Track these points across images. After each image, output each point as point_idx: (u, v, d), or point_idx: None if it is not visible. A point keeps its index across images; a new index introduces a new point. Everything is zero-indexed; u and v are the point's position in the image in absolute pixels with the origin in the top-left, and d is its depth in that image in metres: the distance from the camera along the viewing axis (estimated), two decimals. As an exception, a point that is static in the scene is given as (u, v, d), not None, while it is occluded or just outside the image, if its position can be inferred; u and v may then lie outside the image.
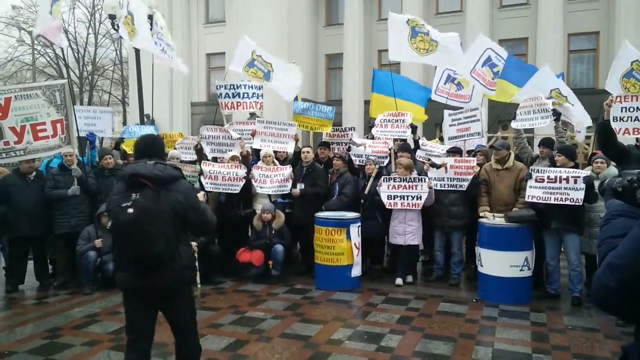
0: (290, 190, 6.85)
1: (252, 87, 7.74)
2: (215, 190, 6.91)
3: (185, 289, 3.18)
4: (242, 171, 6.84)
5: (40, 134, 6.06)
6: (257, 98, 7.73)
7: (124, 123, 24.73)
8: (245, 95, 7.70)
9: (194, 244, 6.28)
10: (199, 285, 6.36)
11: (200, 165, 7.09)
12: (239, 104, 7.72)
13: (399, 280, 6.46)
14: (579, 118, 7.95)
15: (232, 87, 7.73)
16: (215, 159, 7.27)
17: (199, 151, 7.46)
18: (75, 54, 25.89)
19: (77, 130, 6.77)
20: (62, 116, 6.16)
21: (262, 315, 5.29)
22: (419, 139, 7.75)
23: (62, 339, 4.69)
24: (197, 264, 6.36)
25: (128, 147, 7.70)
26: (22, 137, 5.94)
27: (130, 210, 2.80)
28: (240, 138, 7.36)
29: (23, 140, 5.95)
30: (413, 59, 7.98)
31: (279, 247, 6.55)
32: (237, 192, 6.80)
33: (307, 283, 6.48)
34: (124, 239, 2.88)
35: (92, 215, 6.48)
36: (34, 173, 6.51)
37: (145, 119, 15.38)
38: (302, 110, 7.84)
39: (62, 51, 8.48)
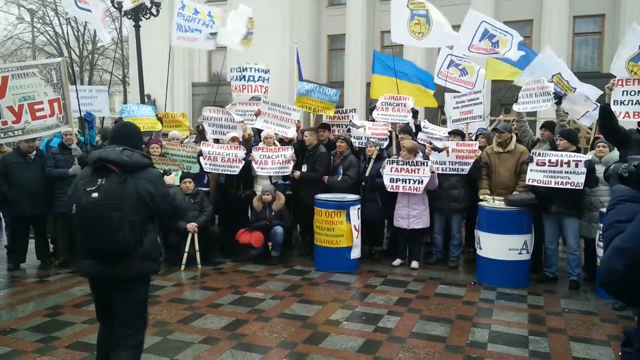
0: (292, 172, 6.84)
1: (258, 70, 7.70)
2: (215, 171, 6.90)
3: (141, 282, 2.98)
4: (241, 152, 6.82)
5: (38, 113, 6.01)
6: (263, 82, 7.69)
7: (125, 103, 24.61)
8: (251, 78, 7.66)
9: (193, 224, 6.33)
10: (199, 266, 6.41)
11: (200, 145, 7.06)
12: (244, 87, 7.69)
13: (397, 261, 6.49)
14: (584, 104, 7.84)
15: (239, 69, 7.70)
16: (216, 141, 7.25)
17: (200, 132, 7.44)
18: (75, 32, 25.64)
19: (79, 109, 6.77)
20: (59, 95, 6.10)
21: (261, 296, 5.33)
22: (420, 123, 7.71)
23: (63, 316, 4.74)
24: (196, 245, 6.41)
25: (128, 127, 7.66)
26: (20, 116, 5.90)
27: (95, 195, 2.72)
28: (242, 121, 7.33)
29: (21, 119, 5.91)
30: (412, 43, 8.00)
31: (279, 229, 6.57)
32: (236, 173, 6.79)
33: (307, 264, 6.52)
34: (86, 224, 2.77)
35: None
36: (35, 152, 6.49)
37: (146, 99, 15.35)
38: (306, 91, 7.77)
39: (62, 29, 8.39)
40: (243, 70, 7.64)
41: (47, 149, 7.26)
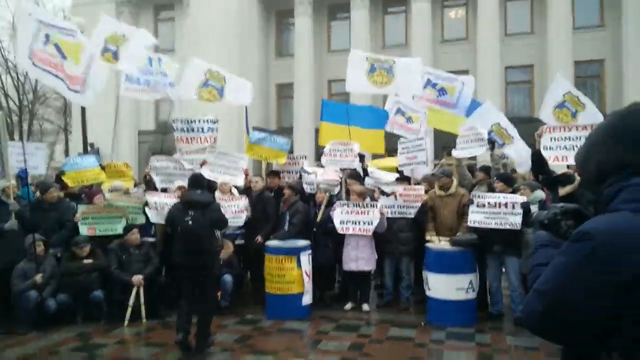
0: (256, 238, 6.77)
1: (207, 121, 7.64)
2: (161, 222, 6.74)
3: (212, 266, 5.11)
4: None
5: (-26, 166, 5.76)
6: (212, 132, 7.64)
7: (66, 152, 23.82)
8: (200, 129, 7.60)
9: (139, 277, 6.11)
10: (144, 320, 6.13)
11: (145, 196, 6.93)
12: (192, 138, 7.61)
13: (348, 305, 6.50)
14: (521, 157, 8.36)
15: (187, 121, 7.62)
16: (164, 190, 7.13)
17: (148, 182, 7.31)
18: (15, 82, 24.87)
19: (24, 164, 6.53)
20: (-3, 149, 5.88)
21: (211, 350, 5.14)
22: (367, 167, 7.94)
23: (-7, 383, 4.38)
24: (142, 298, 6.16)
25: (69, 180, 7.42)
26: (-46, 170, 5.63)
27: (190, 222, 4.90)
28: (192, 169, 7.25)
29: (-45, 173, 5.64)
30: (369, 90, 8.43)
31: (228, 277, 6.44)
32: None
33: (258, 313, 6.38)
34: (186, 238, 4.94)
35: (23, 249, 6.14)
36: (-33, 207, 6.14)
37: (90, 148, 14.97)
38: (257, 140, 7.85)
39: (0, 79, 8.16)
40: (191, 122, 7.59)
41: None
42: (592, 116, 7.77)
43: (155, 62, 7.74)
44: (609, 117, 1.42)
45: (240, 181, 7.42)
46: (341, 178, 7.46)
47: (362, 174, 7.74)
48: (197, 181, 5.22)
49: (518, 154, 8.19)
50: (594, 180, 1.37)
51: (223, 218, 5.26)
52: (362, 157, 7.79)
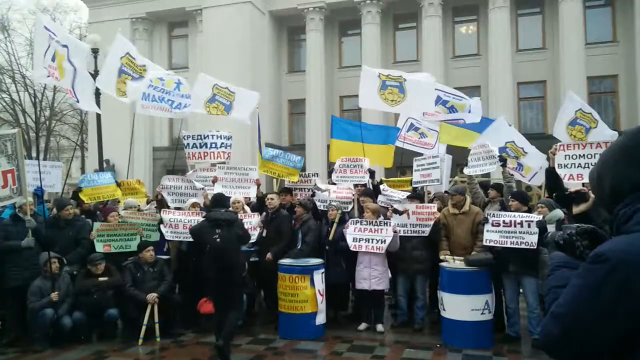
0: (267, 255, 6.70)
1: (220, 137, 7.71)
2: (176, 239, 6.79)
3: (239, 280, 5.55)
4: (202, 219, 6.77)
5: (-9, 184, 5.85)
6: (226, 148, 7.70)
7: (82, 169, 24.13)
8: (213, 145, 7.67)
9: (154, 295, 6.13)
10: (158, 339, 6.13)
11: (160, 213, 6.97)
12: (206, 154, 7.67)
13: (362, 325, 6.44)
14: (535, 165, 8.33)
15: (199, 137, 7.67)
16: (178, 209, 7.18)
17: (160, 201, 7.36)
18: (33, 99, 25.36)
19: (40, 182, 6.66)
20: (14, 167, 5.97)
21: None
22: (378, 183, 7.94)
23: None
24: (156, 316, 6.17)
25: (86, 196, 7.50)
26: (-27, 188, 5.72)
27: (218, 239, 5.31)
28: (203, 188, 7.31)
29: (-26, 191, 5.73)
30: (381, 108, 8.48)
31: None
32: (199, 240, 6.70)
33: (271, 332, 6.35)
34: (215, 254, 5.31)
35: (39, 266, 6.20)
36: (-16, 224, 6.24)
37: (105, 164, 15.16)
38: (271, 157, 7.91)
39: (19, 96, 8.36)
40: (204, 138, 7.66)
41: (-1, 220, 6.98)
42: (604, 133, 7.74)
43: (169, 83, 7.86)
44: (621, 137, 1.40)
45: (253, 192, 7.43)
46: (354, 195, 7.46)
47: (371, 189, 7.74)
48: (220, 201, 5.70)
49: (534, 162, 8.17)
50: (608, 200, 1.37)
51: (247, 234, 5.82)
52: (372, 173, 7.78)
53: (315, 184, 7.76)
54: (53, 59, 6.63)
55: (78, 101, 7.30)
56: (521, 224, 5.70)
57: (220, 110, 8.17)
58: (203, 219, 5.83)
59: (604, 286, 1.19)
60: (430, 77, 8.49)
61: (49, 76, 6.63)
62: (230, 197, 6.73)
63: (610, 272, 1.18)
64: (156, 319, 6.17)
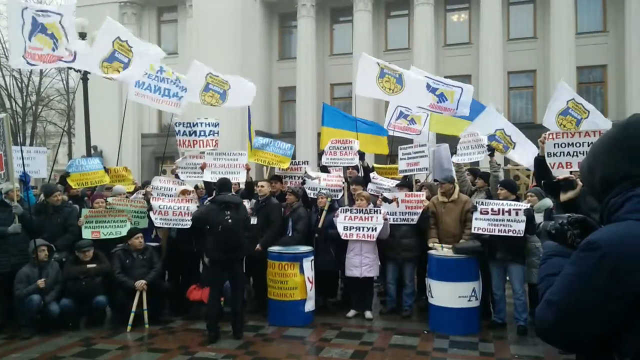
0: (256, 246, 6.69)
1: (208, 124, 7.65)
2: (166, 226, 6.76)
3: (242, 258, 6.05)
4: (193, 205, 6.75)
5: (-22, 170, 5.77)
6: (214, 135, 7.65)
7: (69, 155, 23.84)
8: (202, 133, 7.61)
9: (142, 282, 6.12)
10: (146, 326, 6.12)
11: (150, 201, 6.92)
12: (195, 142, 7.62)
13: (351, 312, 6.49)
14: (524, 159, 8.35)
15: (189, 124, 7.62)
16: None
17: (148, 201, 7.30)
18: (19, 84, 24.94)
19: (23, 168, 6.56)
20: (1, 152, 5.89)
21: (213, 355, 5.16)
22: (368, 165, 7.96)
23: (-4, 389, 4.39)
24: (144, 303, 6.16)
25: (74, 182, 7.43)
26: (-40, 173, 5.64)
27: (230, 220, 5.58)
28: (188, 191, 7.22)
29: (-39, 176, 5.64)
30: (378, 96, 8.35)
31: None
32: (188, 227, 6.67)
33: (260, 319, 6.38)
34: (224, 235, 5.57)
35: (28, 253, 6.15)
36: (-30, 210, 6.15)
37: (93, 151, 15.00)
38: (261, 145, 7.88)
39: (4, 80, 8.16)
40: (193, 126, 7.60)
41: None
42: (596, 122, 7.78)
43: (168, 73, 7.74)
44: (612, 128, 1.46)
45: (243, 177, 7.40)
46: (344, 183, 7.47)
47: (362, 172, 7.76)
48: (225, 185, 5.97)
49: (523, 158, 8.19)
50: (599, 189, 1.42)
51: (249, 217, 6.27)
52: (362, 155, 7.78)
53: (306, 172, 7.75)
54: (30, 38, 6.35)
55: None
56: (509, 212, 5.74)
57: (216, 99, 8.06)
58: (208, 202, 6.16)
59: (596, 273, 1.23)
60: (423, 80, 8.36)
61: (29, 62, 6.40)
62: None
63: (601, 259, 1.23)
64: (145, 306, 6.16)
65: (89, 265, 6.17)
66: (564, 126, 7.73)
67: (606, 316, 1.24)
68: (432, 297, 5.98)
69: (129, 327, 6.01)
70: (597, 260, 1.23)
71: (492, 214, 5.87)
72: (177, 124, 7.68)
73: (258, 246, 6.56)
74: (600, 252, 1.24)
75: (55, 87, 27.42)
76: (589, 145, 6.44)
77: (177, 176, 7.42)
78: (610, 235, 1.27)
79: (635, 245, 1.21)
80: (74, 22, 6.94)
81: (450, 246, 6.06)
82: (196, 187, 7.73)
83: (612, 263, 1.21)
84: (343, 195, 7.42)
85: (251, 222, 6.76)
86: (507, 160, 10.13)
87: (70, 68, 10.92)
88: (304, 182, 7.55)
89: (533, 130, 10.26)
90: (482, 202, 6.05)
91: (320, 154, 8.21)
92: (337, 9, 22.27)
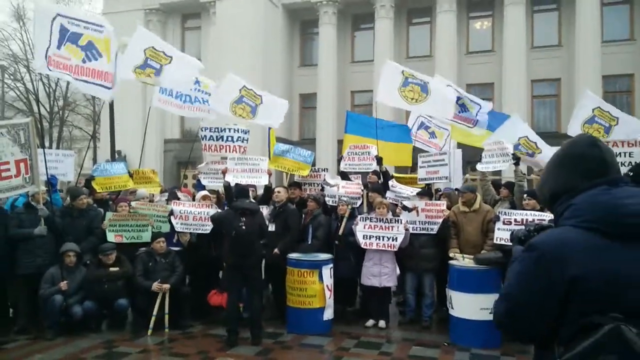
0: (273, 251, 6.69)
1: (237, 130, 7.73)
2: (186, 231, 6.82)
3: (259, 266, 6.14)
4: (212, 211, 6.80)
5: (4, 173, 5.90)
6: (242, 142, 7.71)
7: (94, 159, 24.31)
8: (230, 139, 7.68)
9: (166, 285, 6.18)
10: (167, 330, 6.18)
11: (171, 204, 7.00)
12: (221, 147, 7.69)
13: (369, 322, 6.43)
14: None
15: (216, 130, 7.70)
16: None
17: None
18: (47, 89, 25.56)
19: (46, 172, 6.69)
20: (26, 156, 6.02)
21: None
22: (386, 170, 7.92)
23: (20, 389, 4.47)
24: (166, 307, 6.22)
25: (98, 186, 7.56)
26: (-14, 177, 5.78)
27: (243, 227, 5.66)
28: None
29: (-14, 180, 5.78)
30: (399, 105, 8.19)
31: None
32: (208, 232, 6.73)
33: (279, 327, 6.37)
34: (239, 240, 5.67)
35: (57, 255, 6.28)
36: (-2, 212, 6.32)
37: (117, 155, 15.27)
38: (281, 152, 7.93)
39: (33, 85, 8.36)
40: (221, 131, 7.69)
41: (12, 208, 7.07)
42: (628, 127, 7.56)
43: (205, 86, 7.87)
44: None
45: (265, 181, 7.42)
46: (363, 191, 7.44)
47: (380, 177, 7.72)
48: (243, 191, 6.13)
49: (547, 158, 8.06)
50: (549, 200, 1.65)
51: (266, 224, 6.32)
52: (379, 160, 7.75)
53: (324, 179, 7.76)
54: (59, 47, 6.42)
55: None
56: (533, 222, 5.63)
57: (247, 112, 8.10)
58: (226, 208, 6.22)
59: (533, 271, 1.46)
60: (453, 92, 8.27)
61: (51, 67, 6.48)
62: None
63: (538, 259, 1.46)
64: (166, 310, 6.22)
65: (111, 269, 6.26)
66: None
67: (544, 307, 1.44)
68: (452, 308, 5.90)
69: (149, 331, 6.07)
70: (535, 260, 1.46)
71: (515, 224, 5.77)
72: (203, 129, 7.77)
73: (276, 250, 6.57)
74: (537, 253, 1.46)
75: (82, 92, 28.02)
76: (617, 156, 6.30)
77: (198, 181, 7.49)
78: (547, 239, 1.49)
79: (566, 247, 1.42)
80: (116, 42, 7.07)
81: (472, 257, 5.98)
82: (217, 193, 7.80)
83: (546, 262, 1.43)
84: (362, 203, 7.39)
85: (269, 229, 6.78)
86: (530, 170, 9.96)
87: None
88: (322, 189, 7.56)
89: (557, 139, 10.11)
90: (505, 212, 5.96)
91: (339, 160, 8.23)
92: (359, 16, 22.32)
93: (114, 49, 6.90)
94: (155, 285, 6.16)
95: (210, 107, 8.09)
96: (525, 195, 6.26)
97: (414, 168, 9.22)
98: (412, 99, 7.82)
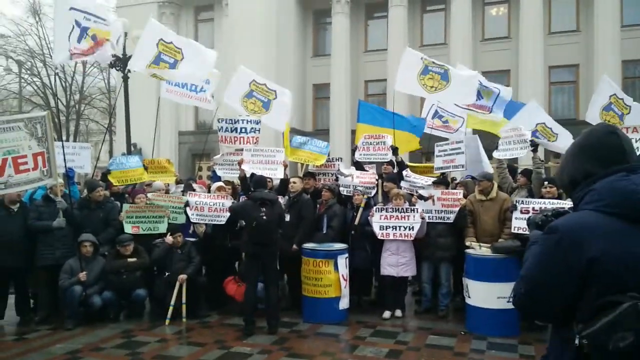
0: (292, 246, 6.58)
1: (250, 121, 7.73)
2: (202, 222, 6.86)
3: (276, 254, 6.09)
4: (228, 202, 6.82)
5: (21, 167, 5.96)
6: (255, 133, 7.72)
7: (110, 152, 24.57)
8: (243, 130, 7.69)
9: (183, 276, 6.24)
10: (184, 320, 6.25)
11: (186, 195, 7.05)
12: (236, 138, 7.70)
13: (386, 314, 6.41)
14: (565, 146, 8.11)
15: (231, 121, 7.72)
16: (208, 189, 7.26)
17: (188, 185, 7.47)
18: (63, 83, 25.87)
19: (65, 164, 6.77)
20: (44, 149, 6.09)
21: (248, 350, 5.21)
22: (402, 160, 7.85)
23: (42, 377, 4.56)
24: (184, 297, 6.28)
25: (114, 179, 7.63)
26: (4, 170, 5.84)
27: (264, 217, 5.70)
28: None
29: (4, 173, 5.84)
30: (418, 93, 8.08)
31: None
32: (223, 223, 6.76)
33: (295, 316, 6.40)
34: (260, 230, 5.71)
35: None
36: (18, 204, 6.42)
37: (132, 148, 15.38)
38: (299, 144, 7.92)
39: (50, 80, 8.46)
40: (235, 122, 7.69)
41: (31, 201, 7.17)
42: (638, 116, 7.46)
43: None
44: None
45: (281, 174, 7.40)
46: (377, 180, 7.39)
47: (395, 167, 7.65)
48: (261, 182, 6.14)
49: (564, 144, 7.92)
50: (569, 186, 1.72)
51: (284, 214, 6.34)
52: (395, 150, 7.67)
53: (339, 169, 7.72)
54: (79, 40, 6.63)
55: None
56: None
57: (258, 107, 8.07)
58: (245, 199, 6.28)
59: (555, 252, 1.52)
60: (476, 75, 8.12)
61: (73, 56, 6.68)
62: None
63: (559, 241, 1.51)
64: (183, 300, 6.28)
65: (129, 260, 6.34)
66: (608, 122, 7.44)
67: (563, 289, 1.50)
68: (469, 297, 5.85)
69: (167, 321, 6.15)
70: (555, 242, 1.52)
71: (533, 213, 5.67)
72: (220, 120, 7.79)
73: (294, 246, 6.52)
74: (558, 235, 1.52)
75: (98, 86, 28.33)
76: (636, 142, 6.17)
77: (214, 172, 7.52)
78: (567, 222, 1.55)
79: (586, 230, 1.48)
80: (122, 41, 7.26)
81: (489, 245, 5.91)
82: (232, 184, 7.83)
83: (566, 244, 1.49)
84: (377, 192, 7.34)
85: (294, 247, 6.73)
86: (547, 157, 9.81)
87: (113, 66, 11.23)
88: (336, 179, 7.52)
89: (576, 127, 9.90)
90: (522, 201, 5.88)
91: (353, 150, 8.18)
92: (372, 4, 22.09)
93: (114, 38, 7.14)
94: (179, 278, 6.21)
95: (225, 101, 8.10)
96: (546, 183, 6.16)
97: (429, 157, 9.14)
98: (432, 87, 7.65)
